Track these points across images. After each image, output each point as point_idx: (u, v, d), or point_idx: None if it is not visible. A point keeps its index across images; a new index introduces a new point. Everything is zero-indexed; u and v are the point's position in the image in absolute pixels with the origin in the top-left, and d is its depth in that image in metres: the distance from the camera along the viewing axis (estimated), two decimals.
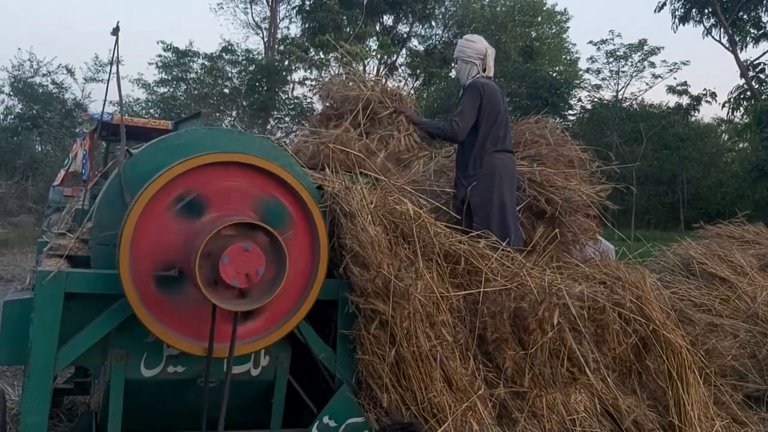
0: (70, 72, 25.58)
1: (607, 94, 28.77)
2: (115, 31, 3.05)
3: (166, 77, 27.79)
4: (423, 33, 29.84)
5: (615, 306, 3.16)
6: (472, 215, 3.73)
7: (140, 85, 27.95)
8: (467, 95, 3.91)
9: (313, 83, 27.25)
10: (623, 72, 28.10)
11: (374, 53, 27.14)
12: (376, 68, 28.65)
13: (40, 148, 24.74)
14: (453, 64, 4.87)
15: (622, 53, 27.43)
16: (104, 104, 3.40)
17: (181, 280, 2.57)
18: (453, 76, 28.02)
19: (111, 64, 3.10)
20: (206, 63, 27.63)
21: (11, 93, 25.71)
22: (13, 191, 20.46)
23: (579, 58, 33.07)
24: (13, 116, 25.72)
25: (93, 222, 2.88)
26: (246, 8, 29.90)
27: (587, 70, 29.31)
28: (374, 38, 27.46)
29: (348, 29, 25.86)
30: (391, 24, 28.50)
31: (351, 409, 2.94)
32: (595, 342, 3.12)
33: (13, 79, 25.22)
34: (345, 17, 25.76)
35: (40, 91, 25.03)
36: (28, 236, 15.87)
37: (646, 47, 26.99)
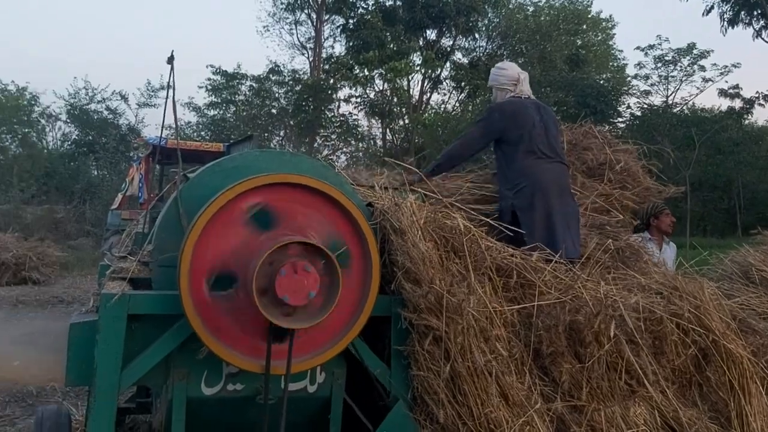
0: (124, 98, 26.44)
1: (656, 100, 28.24)
2: (170, 60, 3.16)
3: (215, 100, 28.41)
4: (467, 45, 29.83)
5: (673, 317, 3.10)
6: (519, 226, 3.72)
7: (191, 108, 28.65)
8: (481, 119, 4.27)
9: (359, 100, 27.51)
10: (672, 77, 27.55)
11: (418, 68, 27.22)
12: (420, 83, 28.75)
13: (96, 173, 25.53)
14: (489, 94, 5.02)
15: (670, 58, 26.91)
16: (162, 130, 3.51)
17: (239, 299, 2.63)
18: None
19: (167, 89, 3.21)
20: (254, 85, 28.16)
21: (68, 120, 26.65)
22: (72, 215, 21.13)
23: (627, 64, 32.52)
24: (70, 142, 26.66)
25: (153, 245, 2.97)
26: (291, 29, 30.42)
27: (635, 76, 28.82)
28: (418, 53, 27.56)
29: (391, 45, 26.03)
30: (434, 38, 28.57)
31: (407, 425, 2.94)
32: (653, 354, 3.06)
33: (69, 107, 26.15)
34: (388, 34, 25.95)
35: (96, 117, 25.86)
36: (87, 259, 16.36)
37: (695, 51, 26.43)
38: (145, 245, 3.09)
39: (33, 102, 26.54)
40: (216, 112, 28.80)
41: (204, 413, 2.89)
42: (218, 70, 27.65)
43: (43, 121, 27.45)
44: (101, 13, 58.82)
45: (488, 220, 3.53)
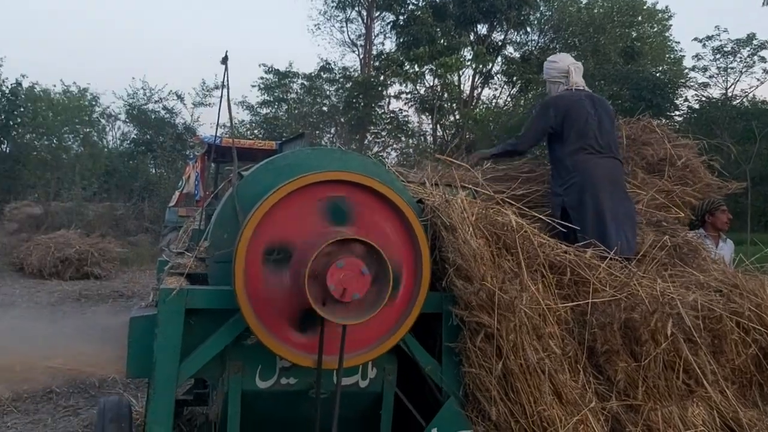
0: (180, 98, 26.89)
1: (715, 92, 27.36)
2: (225, 60, 3.23)
3: (268, 98, 28.77)
4: (518, 40, 29.47)
5: (733, 315, 3.02)
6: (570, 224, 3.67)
7: (244, 107, 29.08)
8: (535, 112, 4.16)
9: (409, 96, 27.47)
10: (732, 68, 26.62)
11: (469, 63, 27.01)
12: (471, 78, 28.55)
13: (154, 171, 26.10)
14: (542, 87, 4.97)
15: (729, 49, 26.03)
16: (216, 129, 3.59)
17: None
18: None
19: (222, 88, 3.27)
20: (305, 83, 28.41)
21: (127, 120, 27.34)
22: (131, 212, 21.67)
23: (684, 56, 31.58)
24: (129, 141, 27.31)
25: (209, 241, 3.04)
26: (342, 27, 30.55)
27: (693, 68, 27.99)
28: (469, 48, 27.35)
29: (442, 41, 25.91)
30: (485, 33, 28.32)
31: (459, 422, 2.95)
32: (712, 353, 2.99)
33: (128, 107, 26.80)
34: (438, 29, 25.83)
35: (153, 116, 26.43)
36: (145, 254, 16.78)
37: (755, 41, 25.50)
38: (202, 241, 3.16)
39: (93, 102, 27.27)
40: (268, 111, 29.16)
41: (258, 406, 2.95)
42: (270, 69, 28.02)
43: (103, 121, 28.21)
44: (155, 14, 60.35)
45: (541, 216, 3.49)
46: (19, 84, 19.84)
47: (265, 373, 2.92)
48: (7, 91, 19.34)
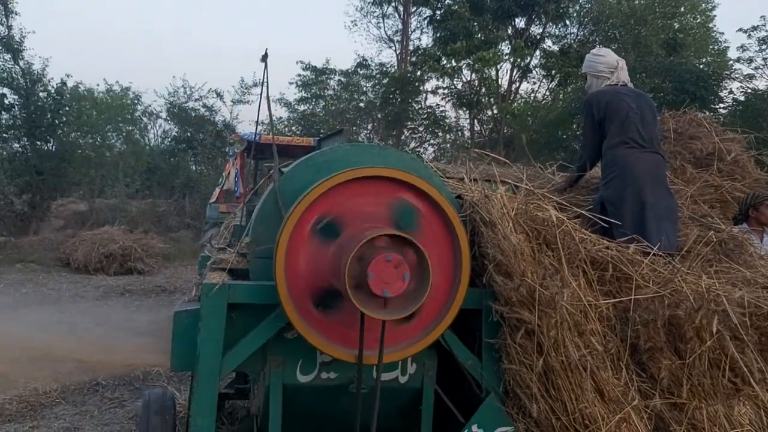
0: (219, 96, 27.16)
1: (761, 84, 26.61)
2: (264, 58, 3.26)
3: (305, 95, 28.94)
4: (557, 33, 29.07)
5: None
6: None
7: (282, 104, 29.29)
8: (582, 117, 4.07)
9: (446, 91, 27.34)
10: None
11: (507, 57, 26.77)
12: (509, 72, 28.28)
13: (194, 168, 26.46)
14: (581, 81, 4.83)
15: None
16: (257, 126, 3.62)
17: (333, 290, 2.68)
18: None
19: (261, 86, 3.30)
20: (342, 79, 28.50)
21: (168, 118, 27.76)
22: (173, 209, 22.05)
23: (728, 47, 30.79)
24: (170, 139, 27.72)
25: (250, 237, 3.08)
26: (379, 23, 30.53)
27: (738, 60, 27.28)
28: (506, 42, 27.10)
29: (479, 35, 25.71)
30: (523, 26, 28.01)
31: (500, 418, 2.94)
32: (759, 351, 2.91)
33: (169, 105, 27.18)
34: (476, 24, 25.63)
35: (193, 114, 26.77)
36: (187, 250, 17.07)
37: None
38: (243, 237, 3.19)
39: (136, 101, 27.78)
40: (306, 107, 29.32)
41: (299, 400, 2.98)
42: (308, 66, 28.17)
43: (145, 119, 28.67)
44: (192, 15, 61.21)
45: (582, 211, 3.44)
46: (64, 83, 20.28)
47: (306, 367, 2.95)
48: (52, 91, 19.79)
